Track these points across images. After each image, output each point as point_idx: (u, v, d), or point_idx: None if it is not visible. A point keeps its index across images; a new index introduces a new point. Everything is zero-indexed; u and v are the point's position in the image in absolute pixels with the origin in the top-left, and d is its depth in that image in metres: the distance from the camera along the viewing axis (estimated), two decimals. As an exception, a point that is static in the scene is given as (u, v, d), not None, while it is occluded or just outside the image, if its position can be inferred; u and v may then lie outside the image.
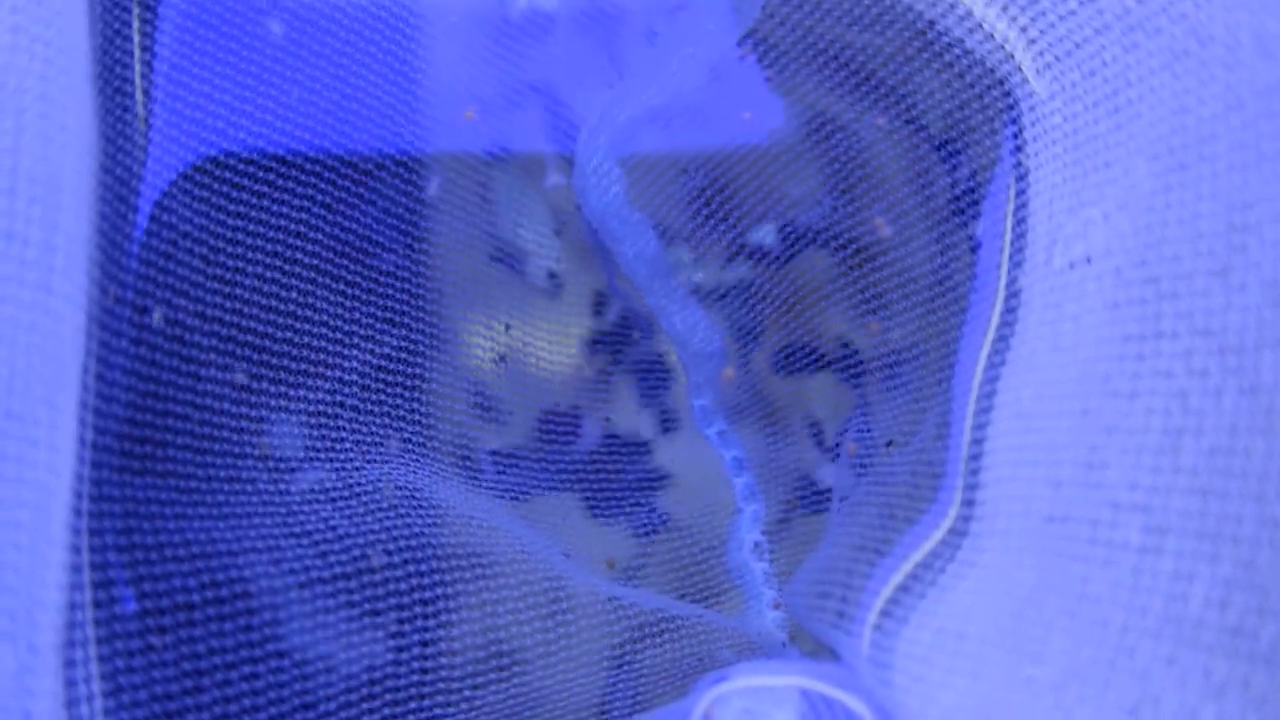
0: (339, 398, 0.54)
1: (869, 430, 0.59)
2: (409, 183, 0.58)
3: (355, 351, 0.55)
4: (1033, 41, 0.48)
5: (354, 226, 0.55)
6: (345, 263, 0.55)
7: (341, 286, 0.55)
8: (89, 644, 0.41)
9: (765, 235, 0.62)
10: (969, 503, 0.47)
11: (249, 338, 0.51)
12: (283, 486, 0.50)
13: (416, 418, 0.58)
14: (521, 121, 0.63)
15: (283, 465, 0.51)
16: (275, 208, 0.52)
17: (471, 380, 0.61)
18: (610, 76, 0.64)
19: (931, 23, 0.51)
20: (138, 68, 0.48)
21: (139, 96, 0.47)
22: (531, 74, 0.63)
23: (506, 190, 0.63)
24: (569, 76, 0.64)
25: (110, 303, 0.44)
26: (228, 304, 0.50)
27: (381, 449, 0.55)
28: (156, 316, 0.46)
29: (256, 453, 0.50)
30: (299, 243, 0.53)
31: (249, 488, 0.49)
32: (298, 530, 0.50)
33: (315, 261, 0.54)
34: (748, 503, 0.66)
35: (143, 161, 0.47)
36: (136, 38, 0.48)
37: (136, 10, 0.48)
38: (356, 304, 0.56)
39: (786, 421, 0.65)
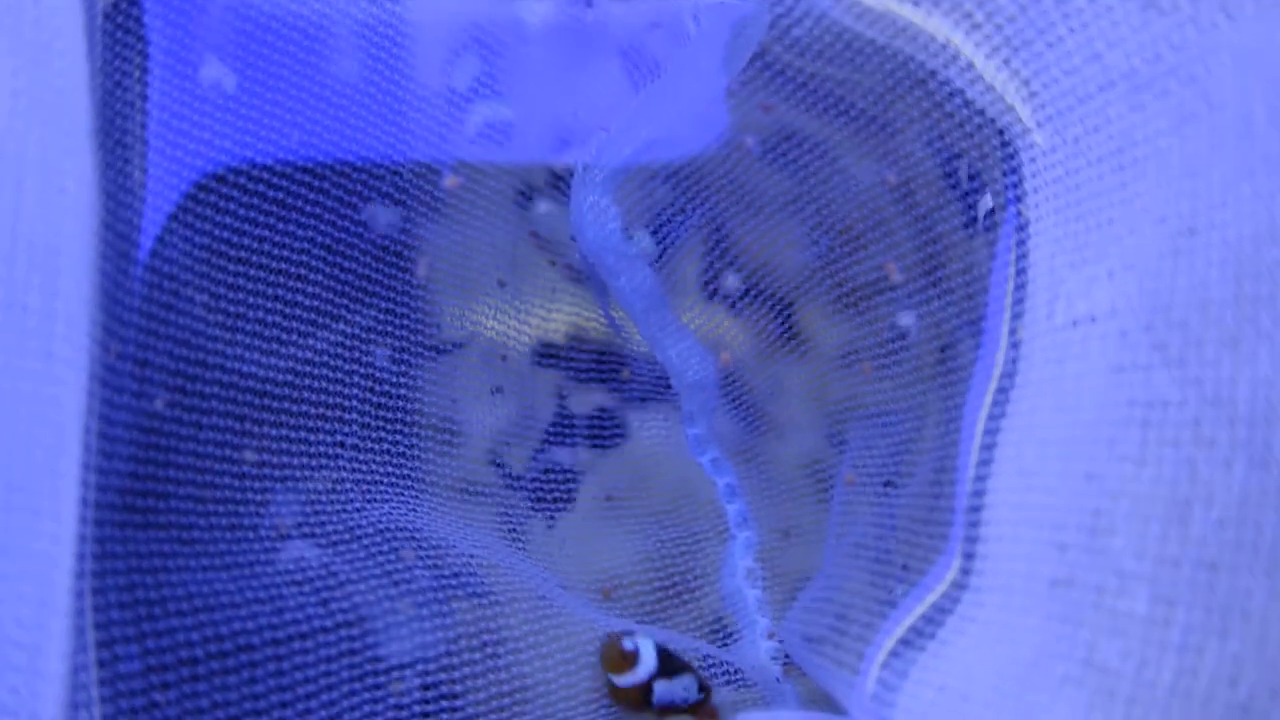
0: (339, 438, 0.54)
1: (865, 466, 0.60)
2: (406, 220, 0.58)
3: (355, 390, 0.55)
4: (1034, 94, 0.48)
5: (353, 266, 0.55)
6: (345, 302, 0.55)
7: (341, 326, 0.55)
8: (93, 704, 0.41)
9: (760, 275, 0.63)
10: (969, 555, 0.47)
11: (250, 383, 0.50)
12: (285, 532, 0.50)
13: (416, 454, 0.58)
14: (514, 143, 0.63)
15: (284, 508, 0.51)
16: (276, 251, 0.52)
17: (469, 413, 0.61)
18: (595, 96, 0.64)
19: (933, 72, 0.51)
20: (137, 118, 0.47)
21: (138, 148, 0.47)
22: (520, 93, 0.63)
23: (503, 217, 0.63)
24: (555, 94, 0.64)
25: (112, 359, 0.44)
26: (229, 350, 0.50)
27: (382, 488, 0.55)
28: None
29: (258, 499, 0.50)
30: (299, 285, 0.53)
31: (250, 535, 0.49)
32: (299, 578, 0.49)
33: (315, 303, 0.54)
34: (740, 529, 0.66)
35: (141, 213, 0.47)
36: (136, 88, 0.47)
37: (135, 60, 0.48)
38: (357, 343, 0.56)
39: (780, 450, 0.65)
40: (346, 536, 0.52)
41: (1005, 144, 0.50)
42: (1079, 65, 0.46)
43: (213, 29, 0.51)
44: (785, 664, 0.63)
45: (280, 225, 0.53)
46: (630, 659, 0.55)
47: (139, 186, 0.47)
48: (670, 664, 0.56)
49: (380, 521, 0.54)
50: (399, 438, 0.57)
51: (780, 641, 0.63)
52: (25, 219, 0.37)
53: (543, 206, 0.63)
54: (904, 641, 0.48)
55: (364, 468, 0.55)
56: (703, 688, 0.57)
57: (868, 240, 0.58)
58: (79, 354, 0.40)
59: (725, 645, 0.64)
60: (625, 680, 0.55)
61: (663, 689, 0.55)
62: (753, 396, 0.65)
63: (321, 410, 0.54)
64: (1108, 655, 0.39)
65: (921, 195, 0.55)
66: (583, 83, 0.64)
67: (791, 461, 0.65)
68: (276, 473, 0.51)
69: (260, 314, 0.51)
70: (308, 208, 0.54)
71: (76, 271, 0.40)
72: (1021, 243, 0.49)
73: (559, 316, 0.65)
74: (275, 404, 0.52)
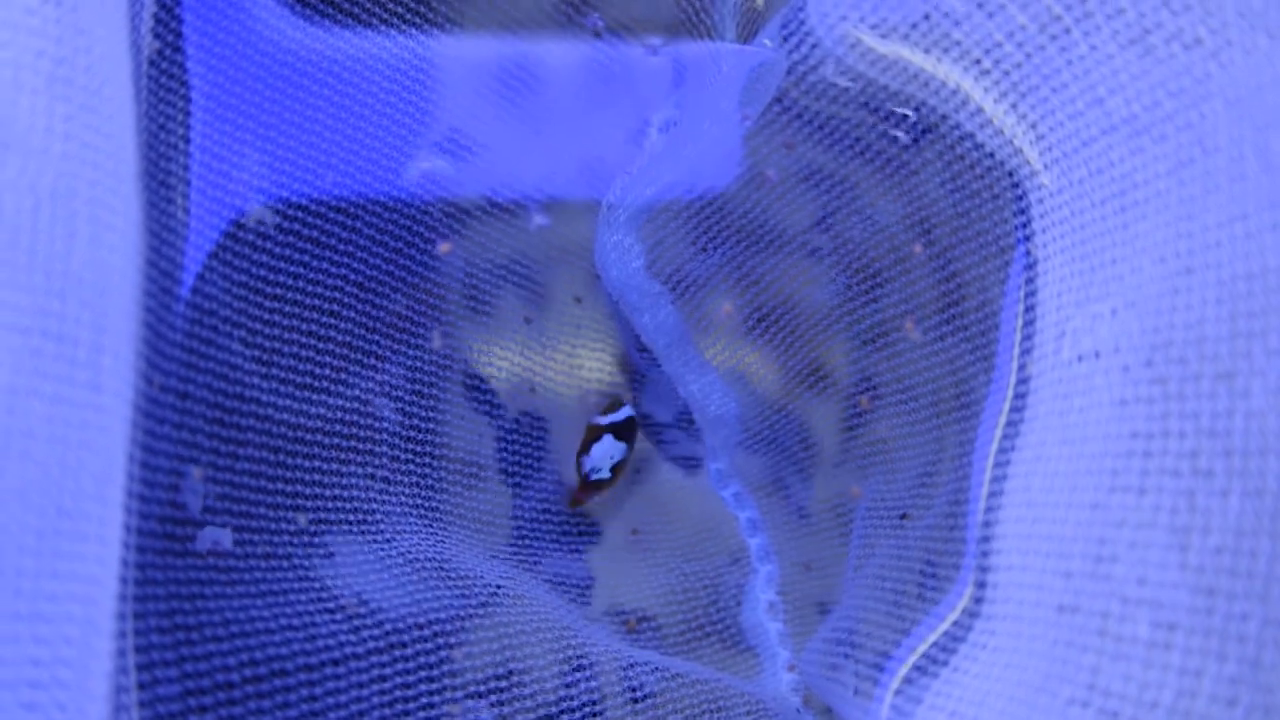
0: (369, 469, 0.56)
1: (883, 499, 0.61)
2: (437, 259, 0.60)
3: (385, 424, 0.57)
4: (1041, 137, 0.49)
5: (384, 304, 0.57)
6: (376, 338, 0.57)
7: (373, 361, 0.56)
8: (134, 724, 0.43)
9: (781, 313, 0.64)
10: (980, 584, 0.49)
11: (285, 415, 0.52)
12: (317, 561, 0.51)
13: (444, 486, 0.59)
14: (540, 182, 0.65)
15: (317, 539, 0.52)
16: (310, 288, 0.54)
17: (495, 447, 0.63)
18: (617, 136, 0.65)
19: (944, 116, 0.53)
20: (180, 160, 0.49)
21: (181, 188, 0.49)
22: (544, 134, 0.65)
23: (530, 255, 0.64)
24: (579, 134, 0.65)
25: (155, 391, 0.46)
26: (265, 384, 0.51)
27: (410, 519, 0.57)
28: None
29: (292, 528, 0.51)
30: (333, 321, 0.55)
31: (284, 563, 0.50)
32: (331, 605, 0.51)
33: (347, 339, 0.55)
34: (762, 563, 0.67)
35: (183, 251, 0.49)
36: (179, 130, 0.49)
37: (178, 104, 0.49)
38: (388, 377, 0.57)
39: (801, 485, 0.66)
40: (377, 566, 0.54)
41: (1014, 185, 0.52)
42: (1082, 110, 0.47)
43: (252, 73, 0.53)
44: (806, 695, 0.63)
45: (314, 263, 0.54)
46: (615, 406, 0.63)
47: (182, 225, 0.49)
48: (625, 431, 0.63)
49: (410, 552, 0.55)
50: (427, 470, 0.59)
51: (801, 673, 0.64)
52: (77, 257, 0.39)
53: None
54: (918, 668, 0.50)
55: (393, 499, 0.56)
56: (617, 469, 0.63)
57: (885, 279, 0.59)
58: (124, 386, 0.42)
59: (747, 677, 0.65)
60: (602, 419, 0.63)
61: (605, 444, 0.63)
62: (774, 432, 0.67)
63: (353, 443, 0.55)
64: (1111, 678, 0.40)
65: (937, 234, 0.57)
66: (605, 123, 0.65)
67: (812, 495, 0.66)
68: (309, 504, 0.52)
69: (295, 349, 0.53)
70: (341, 246, 0.55)
71: (123, 307, 0.42)
72: (1030, 280, 0.51)
73: (584, 352, 0.67)
74: (309, 436, 0.53)
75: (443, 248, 0.59)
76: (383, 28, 0.57)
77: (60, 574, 0.38)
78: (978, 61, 0.50)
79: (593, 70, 0.64)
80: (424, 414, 0.59)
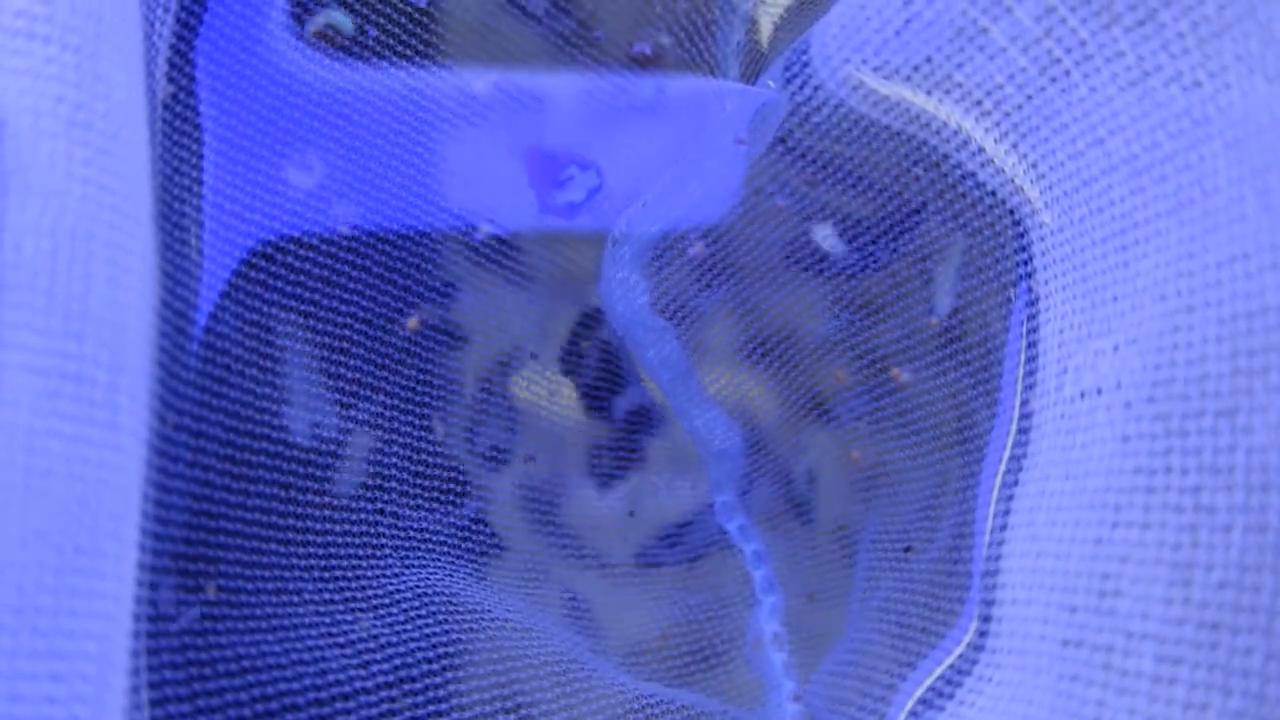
0: (379, 504, 0.56)
1: (887, 531, 0.61)
2: (445, 295, 0.60)
3: (394, 459, 0.57)
4: (1041, 176, 0.50)
5: (392, 340, 0.58)
6: (384, 374, 0.57)
7: (382, 397, 0.57)
8: (148, 761, 0.43)
9: (784, 347, 0.64)
10: (985, 618, 0.49)
11: (295, 453, 0.53)
12: (328, 596, 0.52)
13: (451, 520, 0.60)
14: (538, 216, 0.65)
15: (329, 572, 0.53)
16: (320, 325, 0.54)
17: (503, 481, 0.63)
18: (627, 170, 0.66)
19: (945, 155, 0.54)
20: (194, 201, 0.50)
21: (194, 230, 0.50)
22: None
23: (537, 293, 0.65)
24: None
25: (169, 430, 0.46)
26: (275, 421, 0.52)
27: (419, 554, 0.57)
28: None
29: (302, 564, 0.52)
30: (342, 358, 0.55)
31: (295, 599, 0.51)
32: (341, 640, 0.51)
33: (357, 375, 0.56)
34: (767, 594, 0.68)
35: (196, 291, 0.49)
36: (192, 173, 0.50)
37: (191, 147, 0.50)
38: (396, 412, 0.58)
39: (806, 517, 0.67)
40: (386, 601, 0.54)
41: (1016, 223, 0.52)
42: (1083, 150, 0.48)
43: (262, 115, 0.54)
44: (811, 727, 0.64)
45: (325, 301, 0.55)
46: None
47: (194, 266, 0.50)
48: None
49: (418, 586, 0.56)
50: (434, 504, 0.59)
51: (806, 705, 0.64)
52: (95, 298, 0.40)
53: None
54: (923, 701, 0.50)
55: (402, 534, 0.57)
56: None
57: (888, 314, 0.60)
58: (140, 425, 0.42)
59: (752, 709, 0.65)
60: None
61: None
62: (778, 464, 0.67)
63: (363, 479, 0.56)
64: (1116, 712, 0.40)
65: (938, 271, 0.57)
66: (613, 156, 0.66)
67: (816, 527, 0.67)
68: (319, 539, 0.53)
69: (305, 386, 0.53)
70: (350, 284, 0.56)
71: (139, 347, 0.42)
72: (1032, 317, 0.51)
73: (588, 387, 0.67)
74: (319, 473, 0.54)
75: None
76: (390, 68, 0.58)
77: (78, 612, 0.38)
78: (979, 103, 0.51)
79: (597, 103, 0.65)
80: (431, 449, 0.59)
